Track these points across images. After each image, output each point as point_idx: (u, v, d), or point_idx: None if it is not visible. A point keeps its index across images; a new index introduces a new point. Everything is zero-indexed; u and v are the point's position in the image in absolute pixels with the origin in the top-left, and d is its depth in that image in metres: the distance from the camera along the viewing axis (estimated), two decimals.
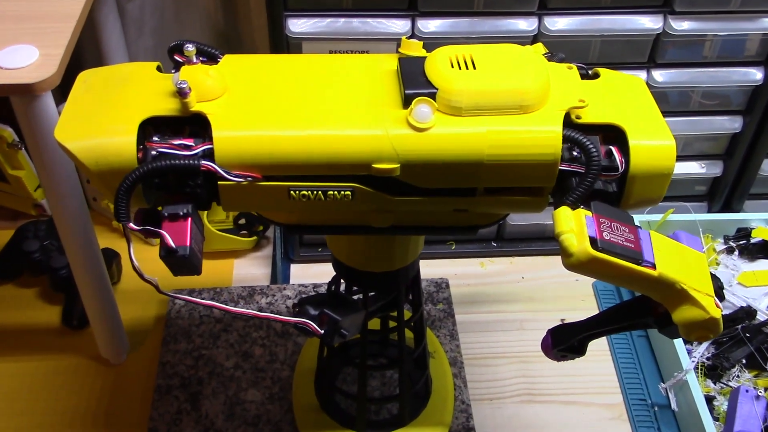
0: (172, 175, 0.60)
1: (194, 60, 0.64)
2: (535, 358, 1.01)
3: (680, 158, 1.07)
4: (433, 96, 0.61)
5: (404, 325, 0.81)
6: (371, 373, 0.96)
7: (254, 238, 1.13)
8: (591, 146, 0.61)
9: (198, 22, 1.05)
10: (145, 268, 0.61)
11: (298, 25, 0.86)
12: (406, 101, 0.61)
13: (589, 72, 0.70)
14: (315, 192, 0.62)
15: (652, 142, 0.63)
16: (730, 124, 1.03)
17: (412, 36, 0.88)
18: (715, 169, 1.08)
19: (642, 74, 0.96)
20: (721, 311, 0.65)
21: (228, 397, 0.93)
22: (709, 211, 1.14)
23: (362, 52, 0.89)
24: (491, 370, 0.99)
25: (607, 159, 0.63)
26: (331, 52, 0.89)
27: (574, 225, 0.60)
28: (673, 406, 0.92)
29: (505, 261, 1.15)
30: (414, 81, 0.62)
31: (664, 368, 0.97)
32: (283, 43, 0.87)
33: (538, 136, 0.61)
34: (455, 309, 1.05)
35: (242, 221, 1.13)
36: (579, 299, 1.09)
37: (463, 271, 1.12)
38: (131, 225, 0.61)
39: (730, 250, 1.07)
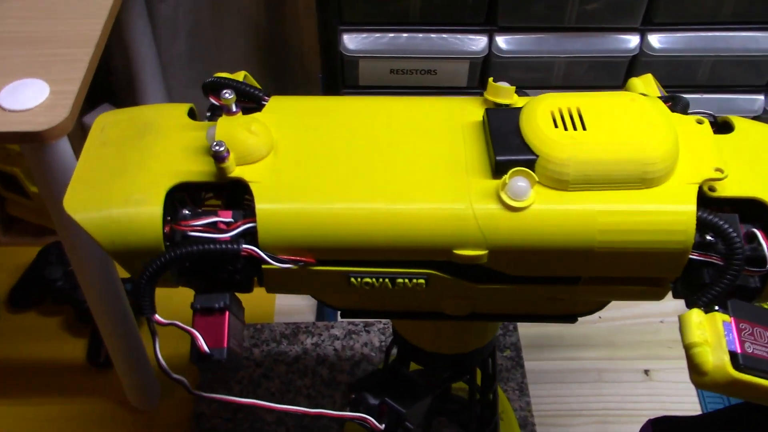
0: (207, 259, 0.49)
1: (233, 108, 0.52)
2: (615, 417, 0.89)
3: None
4: (531, 164, 0.48)
5: (477, 405, 0.69)
6: None
7: None
8: (735, 236, 0.48)
9: (239, 24, 0.93)
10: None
11: (355, 41, 0.73)
12: (498, 170, 0.49)
13: (717, 120, 0.57)
14: (381, 279, 0.50)
15: None
16: None
17: (489, 55, 0.74)
18: None
19: (760, 98, 0.81)
20: None
21: None
22: None
23: (429, 71, 0.76)
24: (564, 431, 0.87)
25: (749, 246, 0.50)
26: (391, 71, 0.76)
27: (708, 335, 0.48)
28: None
29: None
30: (507, 143, 0.49)
31: None
32: (336, 61, 0.75)
33: (666, 219, 0.48)
34: (524, 354, 0.93)
35: None
36: (665, 346, 0.96)
37: None
38: (158, 318, 0.50)
39: None
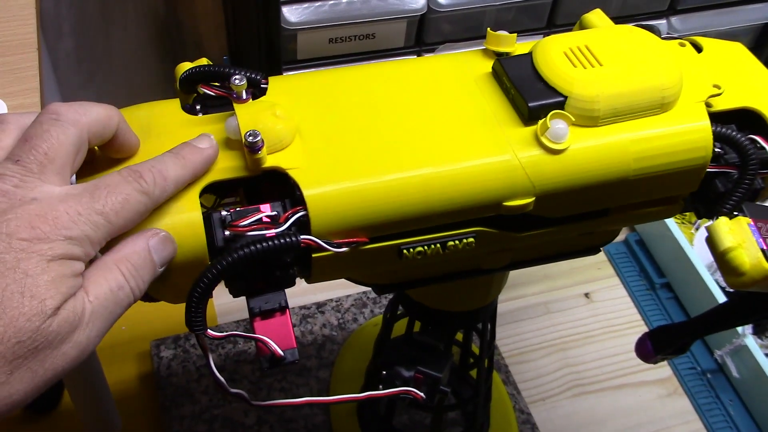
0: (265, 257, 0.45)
1: (244, 95, 0.48)
2: (570, 343, 0.94)
3: None
4: (561, 106, 0.49)
5: (484, 358, 0.70)
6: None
7: None
8: (748, 143, 0.52)
9: (130, 13, 0.85)
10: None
11: (295, 14, 0.69)
12: (531, 117, 0.49)
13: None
14: (433, 245, 0.49)
15: None
16: None
17: (429, 12, 0.74)
18: None
19: (662, 22, 0.87)
20: None
21: None
22: None
23: (367, 35, 0.74)
24: (532, 366, 0.91)
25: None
26: (330, 41, 0.73)
27: (739, 238, 0.51)
28: (734, 373, 0.88)
29: None
30: (532, 88, 0.50)
31: None
32: (276, 37, 0.71)
33: (688, 138, 0.51)
34: None
35: None
36: (596, 268, 1.02)
37: None
38: (212, 333, 0.46)
39: None
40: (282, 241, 0.44)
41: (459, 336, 0.75)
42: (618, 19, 0.87)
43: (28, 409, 0.83)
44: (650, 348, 0.69)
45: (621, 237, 1.06)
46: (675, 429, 0.87)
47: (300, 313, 0.92)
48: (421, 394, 0.58)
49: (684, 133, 0.51)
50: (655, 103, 0.50)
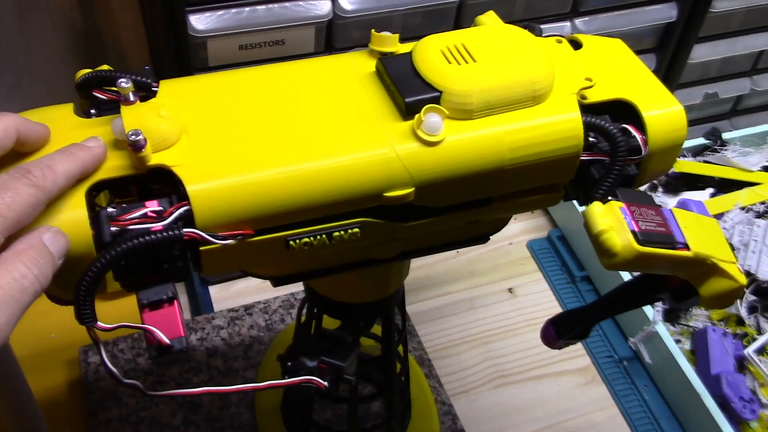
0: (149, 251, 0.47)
1: (131, 98, 0.50)
2: (493, 337, 0.96)
3: None
4: (436, 100, 0.52)
5: (396, 347, 0.72)
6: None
7: None
8: (616, 132, 0.55)
9: (49, 27, 0.87)
10: None
11: (203, 22, 0.72)
12: (408, 111, 0.52)
13: (566, 39, 0.64)
14: (318, 236, 0.51)
15: (664, 111, 0.58)
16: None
17: (335, 18, 0.76)
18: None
19: (567, 24, 0.91)
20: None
21: None
22: None
23: (277, 42, 0.76)
24: (455, 360, 0.93)
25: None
26: (240, 47, 0.75)
27: (610, 221, 0.55)
28: (647, 359, 0.91)
29: None
30: (410, 85, 0.53)
31: (625, 321, 0.96)
32: (185, 45, 0.73)
33: (559, 128, 0.54)
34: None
35: None
36: (519, 264, 1.05)
37: None
38: (102, 326, 0.48)
39: (653, 187, 1.08)
40: (164, 234, 0.46)
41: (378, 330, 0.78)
42: (522, 22, 0.90)
43: None
44: (553, 334, 0.72)
45: (543, 233, 1.09)
46: (593, 415, 0.90)
47: (228, 316, 0.93)
48: (324, 383, 0.60)
49: (555, 124, 0.54)
50: (527, 96, 0.53)
